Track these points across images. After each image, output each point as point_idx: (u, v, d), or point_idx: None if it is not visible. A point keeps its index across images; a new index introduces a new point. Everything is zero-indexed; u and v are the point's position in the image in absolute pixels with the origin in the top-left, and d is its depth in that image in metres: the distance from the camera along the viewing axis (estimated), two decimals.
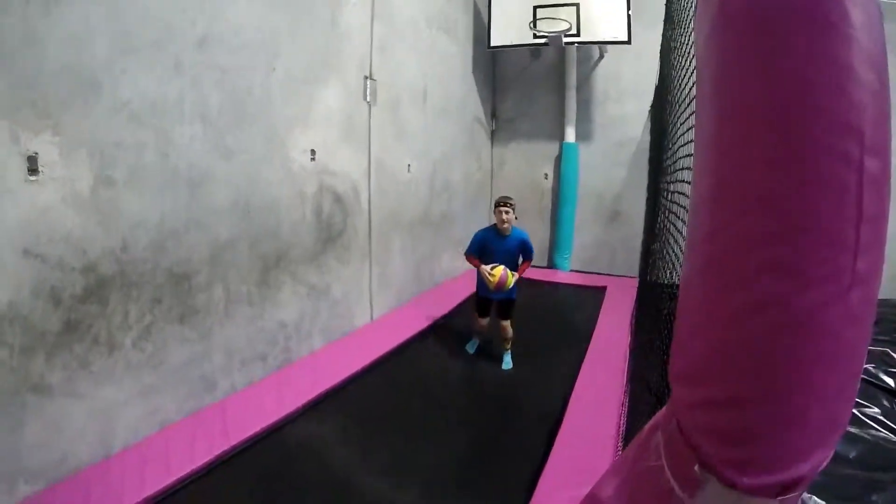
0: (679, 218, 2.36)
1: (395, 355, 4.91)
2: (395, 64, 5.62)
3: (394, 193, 5.81)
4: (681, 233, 2.26)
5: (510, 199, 4.59)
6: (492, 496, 3.09)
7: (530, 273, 7.62)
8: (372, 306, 5.64)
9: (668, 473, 0.74)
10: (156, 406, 3.50)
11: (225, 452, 3.32)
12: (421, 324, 5.55)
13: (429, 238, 6.68)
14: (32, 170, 2.76)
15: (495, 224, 4.63)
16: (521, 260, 4.74)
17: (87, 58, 2.93)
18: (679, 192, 2.43)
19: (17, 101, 2.66)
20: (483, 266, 4.53)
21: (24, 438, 2.88)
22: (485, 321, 4.98)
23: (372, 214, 5.44)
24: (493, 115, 8.58)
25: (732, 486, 0.64)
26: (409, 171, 6.03)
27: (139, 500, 2.92)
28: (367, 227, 5.38)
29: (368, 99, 5.21)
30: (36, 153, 2.76)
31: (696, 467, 0.68)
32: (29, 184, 2.76)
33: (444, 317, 5.96)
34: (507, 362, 4.90)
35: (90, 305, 3.11)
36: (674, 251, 2.42)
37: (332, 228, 4.84)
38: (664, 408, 0.81)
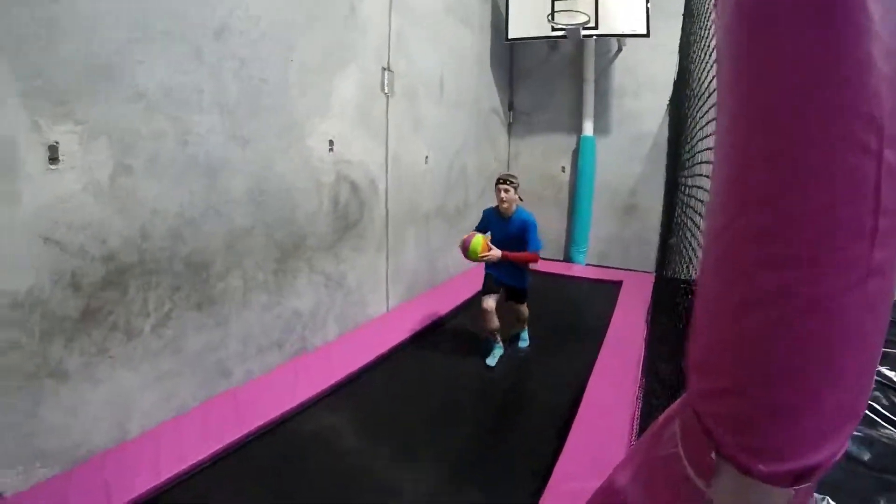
0: (696, 212, 2.32)
1: (410, 345, 4.89)
2: (412, 55, 5.57)
3: (410, 184, 5.78)
4: (698, 227, 2.22)
5: (512, 176, 4.29)
6: (506, 486, 3.05)
7: (546, 266, 7.61)
8: (388, 296, 5.62)
9: (685, 461, 0.75)
10: (172, 392, 3.51)
11: (239, 440, 3.32)
12: (436, 314, 5.51)
13: (444, 230, 6.64)
14: (53, 158, 2.78)
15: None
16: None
17: (106, 48, 2.92)
18: (697, 187, 2.39)
19: (37, 91, 2.67)
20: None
21: (42, 422, 2.90)
22: (487, 303, 4.48)
23: (389, 205, 5.41)
24: (511, 107, 8.50)
25: (748, 472, 0.64)
26: (425, 162, 5.99)
27: (154, 485, 2.92)
28: (383, 217, 5.35)
29: (386, 90, 5.17)
30: (56, 142, 2.78)
31: (712, 454, 0.68)
32: (49, 172, 2.78)
33: (459, 308, 5.92)
34: (524, 339, 4.91)
35: (110, 292, 3.12)
36: (690, 246, 2.38)
37: (348, 218, 4.82)
38: (681, 397, 0.81)
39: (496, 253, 4.14)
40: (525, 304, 4.70)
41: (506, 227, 4.33)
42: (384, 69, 5.13)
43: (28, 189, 2.71)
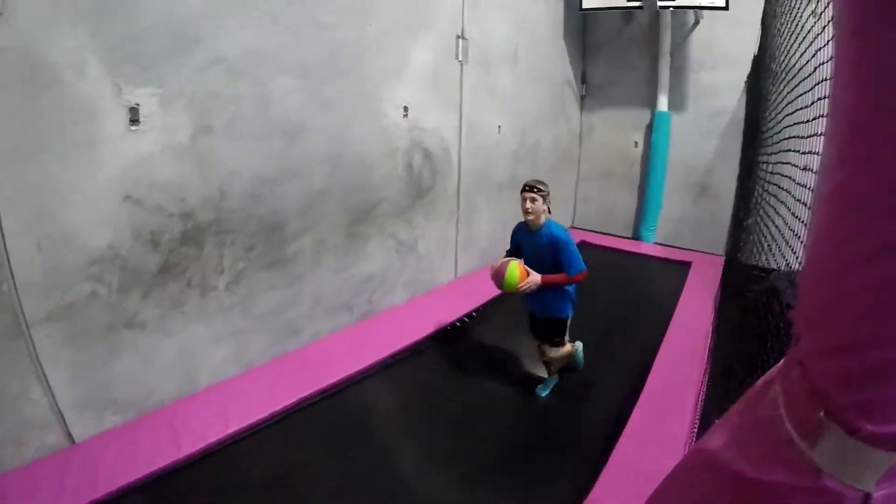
0: (783, 189, 2.17)
1: (473, 317, 4.79)
2: (486, 24, 5.39)
3: (483, 154, 5.64)
4: (785, 204, 2.07)
5: (540, 183, 3.46)
6: (565, 463, 2.97)
7: (614, 242, 7.39)
8: (457, 265, 5.55)
9: (788, 423, 0.75)
10: (242, 348, 3.58)
11: (304, 399, 3.35)
12: None
13: (514, 201, 6.38)
14: (134, 120, 2.84)
15: None
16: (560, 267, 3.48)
17: (186, 12, 2.94)
18: (783, 163, 2.23)
19: (118, 55, 2.71)
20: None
21: (116, 371, 3.00)
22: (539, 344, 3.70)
23: (461, 173, 5.31)
24: (584, 79, 8.19)
25: (854, 432, 0.64)
26: (498, 132, 5.84)
27: (221, 437, 2.98)
28: (455, 185, 5.26)
29: (460, 58, 5.04)
30: (137, 104, 2.84)
31: (821, 413, 0.68)
32: (131, 133, 2.84)
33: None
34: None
35: (187, 249, 3.18)
36: (768, 230, 2.25)
37: (421, 184, 4.75)
38: (782, 360, 0.82)
39: (535, 279, 3.33)
40: (561, 342, 3.63)
41: (533, 241, 3.54)
42: (458, 37, 4.99)
43: (110, 149, 2.78)
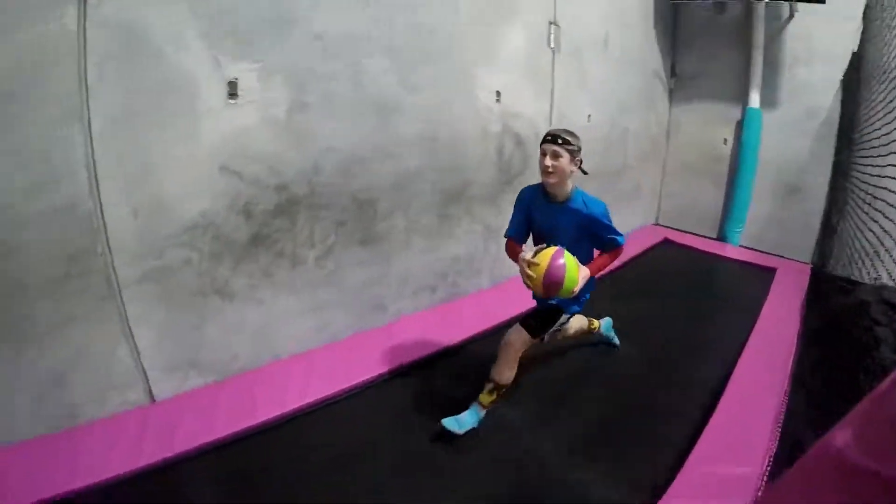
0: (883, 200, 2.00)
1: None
2: (577, 10, 5.19)
3: None
4: (884, 214, 1.91)
5: (566, 133, 2.51)
6: (641, 460, 2.81)
7: (696, 241, 7.09)
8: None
9: None
10: (327, 321, 3.62)
11: (383, 374, 3.34)
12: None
13: (599, 191, 6.14)
14: (232, 94, 2.93)
15: None
16: (591, 247, 2.71)
17: None
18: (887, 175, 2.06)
19: (217, 30, 2.79)
20: (523, 253, 2.50)
21: (202, 336, 3.10)
22: (515, 337, 2.80)
23: None
24: (673, 71, 7.91)
25: None
26: (588, 120, 5.63)
27: (300, 405, 3.01)
28: None
29: (552, 44, 4.91)
30: (236, 79, 2.91)
31: None
32: (229, 106, 2.93)
33: (609, 275, 5.49)
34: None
35: (279, 221, 3.23)
36: (860, 239, 2.08)
37: (511, 170, 4.64)
38: None
39: (585, 274, 2.47)
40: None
41: (554, 215, 2.62)
42: (551, 23, 4.86)
43: (208, 121, 2.86)
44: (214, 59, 2.79)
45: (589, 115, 5.62)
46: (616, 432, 3.04)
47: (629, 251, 5.44)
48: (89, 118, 2.48)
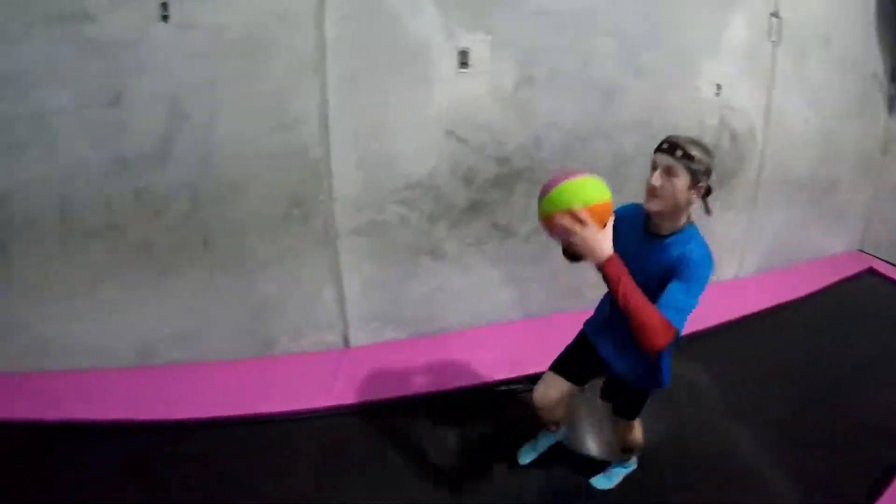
0: None
1: (753, 319, 4.25)
2: (800, 2, 4.69)
3: (786, 145, 4.94)
4: None
5: (689, 143, 1.72)
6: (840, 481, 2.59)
7: (886, 268, 5.76)
8: (742, 260, 5.01)
9: None
10: (525, 296, 3.68)
11: None
12: (786, 295, 4.64)
13: (805, 203, 5.51)
14: (463, 63, 2.99)
15: None
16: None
17: None
18: None
19: (451, 1, 2.88)
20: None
21: (407, 292, 3.26)
22: (544, 391, 2.29)
23: (763, 164, 4.75)
24: (893, 76, 7.05)
25: None
26: (805, 123, 5.08)
27: (495, 378, 3.03)
28: (755, 174, 4.70)
29: (773, 38, 4.48)
30: (467, 49, 2.97)
31: None
32: (459, 75, 3.01)
33: (811, 296, 4.80)
34: (603, 480, 2.51)
35: (497, 192, 3.29)
36: None
37: (724, 168, 4.29)
38: None
39: (599, 246, 1.57)
40: (629, 421, 2.27)
41: (647, 248, 1.84)
42: (772, 15, 4.41)
43: (438, 87, 3.00)
44: (448, 29, 2.87)
45: (806, 119, 5.06)
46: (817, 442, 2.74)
47: (823, 278, 4.98)
48: (325, 72, 2.69)
